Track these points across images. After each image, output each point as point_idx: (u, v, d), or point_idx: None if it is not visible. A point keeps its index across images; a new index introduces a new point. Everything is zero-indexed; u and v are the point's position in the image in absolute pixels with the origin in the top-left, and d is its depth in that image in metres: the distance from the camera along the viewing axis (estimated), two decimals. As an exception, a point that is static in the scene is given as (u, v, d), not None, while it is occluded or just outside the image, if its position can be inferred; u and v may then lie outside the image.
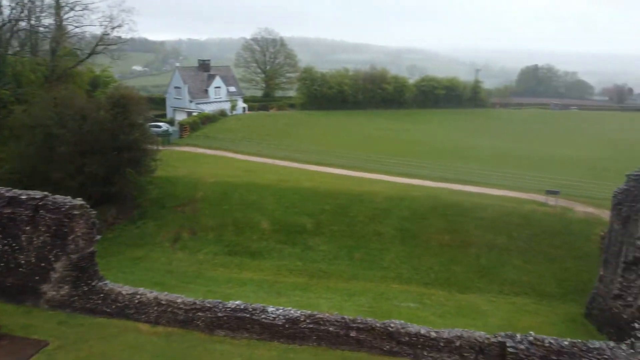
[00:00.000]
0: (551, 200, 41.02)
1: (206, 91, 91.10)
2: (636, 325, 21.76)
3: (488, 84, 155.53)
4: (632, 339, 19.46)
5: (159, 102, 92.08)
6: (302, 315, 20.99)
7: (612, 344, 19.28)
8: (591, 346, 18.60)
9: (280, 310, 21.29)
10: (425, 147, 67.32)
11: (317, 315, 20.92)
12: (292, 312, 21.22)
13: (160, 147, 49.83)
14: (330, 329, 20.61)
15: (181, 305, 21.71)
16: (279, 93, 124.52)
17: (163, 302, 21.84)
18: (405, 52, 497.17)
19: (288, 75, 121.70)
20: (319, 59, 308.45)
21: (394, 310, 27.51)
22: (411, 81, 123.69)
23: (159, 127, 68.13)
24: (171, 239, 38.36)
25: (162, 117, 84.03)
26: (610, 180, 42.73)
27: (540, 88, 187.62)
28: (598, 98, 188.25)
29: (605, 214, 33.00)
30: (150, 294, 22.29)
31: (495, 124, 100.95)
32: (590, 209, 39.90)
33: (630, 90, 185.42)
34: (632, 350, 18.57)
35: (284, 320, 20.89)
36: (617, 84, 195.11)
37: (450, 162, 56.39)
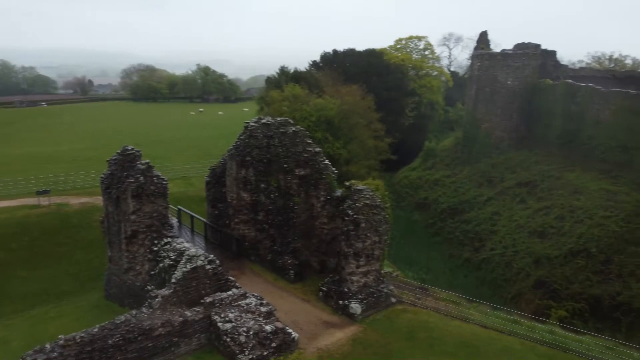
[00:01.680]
0: (44, 201, 39.80)
1: None
2: (148, 287, 24.88)
3: None
4: (149, 300, 22.15)
5: None
6: None
7: (134, 311, 21.38)
8: (118, 322, 20.07)
9: None
10: None
11: None
12: None
13: None
14: None
15: None
16: None
17: None
18: None
19: None
20: None
21: None
22: None
23: None
24: None
25: None
26: (95, 168, 45.24)
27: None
28: (63, 91, 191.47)
29: (99, 200, 34.89)
30: None
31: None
32: (84, 199, 41.26)
33: (91, 82, 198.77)
34: (151, 309, 21.22)
35: None
36: (77, 76, 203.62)
37: None
